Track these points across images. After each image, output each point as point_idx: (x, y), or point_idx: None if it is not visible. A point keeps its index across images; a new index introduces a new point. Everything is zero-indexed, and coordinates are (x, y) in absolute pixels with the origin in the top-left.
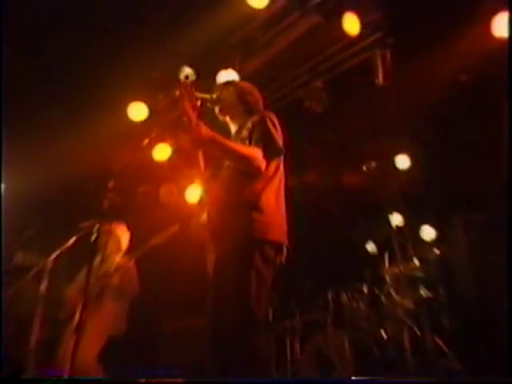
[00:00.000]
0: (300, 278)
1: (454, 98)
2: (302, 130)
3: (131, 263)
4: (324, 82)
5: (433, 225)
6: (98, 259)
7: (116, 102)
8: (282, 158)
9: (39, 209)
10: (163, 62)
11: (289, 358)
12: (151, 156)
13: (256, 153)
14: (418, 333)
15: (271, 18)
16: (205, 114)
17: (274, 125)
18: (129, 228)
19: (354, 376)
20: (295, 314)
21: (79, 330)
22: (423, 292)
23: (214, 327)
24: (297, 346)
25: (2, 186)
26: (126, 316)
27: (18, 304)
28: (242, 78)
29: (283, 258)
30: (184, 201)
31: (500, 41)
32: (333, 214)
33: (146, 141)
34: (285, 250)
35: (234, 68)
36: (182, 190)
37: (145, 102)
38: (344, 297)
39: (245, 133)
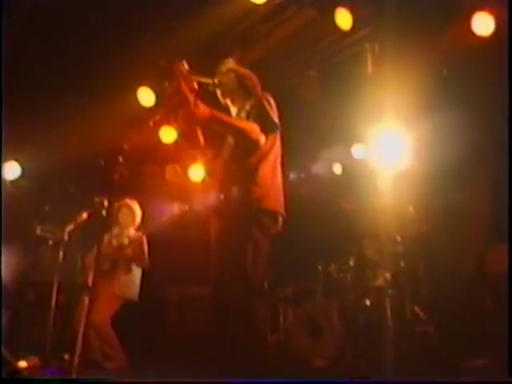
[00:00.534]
0: (292, 251)
1: (436, 90)
2: (296, 117)
3: (143, 237)
4: (318, 71)
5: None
6: (115, 230)
7: (126, 86)
8: (278, 133)
9: (55, 185)
10: (169, 51)
11: (281, 324)
12: (157, 138)
13: (254, 127)
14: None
15: (270, 12)
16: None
17: (269, 104)
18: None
19: (341, 342)
20: (287, 284)
21: (92, 293)
22: (403, 264)
23: (216, 294)
24: (289, 313)
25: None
26: (137, 284)
27: (37, 273)
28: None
29: (279, 228)
30: (188, 179)
31: (479, 38)
32: (323, 194)
33: (151, 122)
34: (280, 219)
35: (234, 58)
36: (186, 170)
37: (152, 87)
38: (332, 268)
39: (243, 114)
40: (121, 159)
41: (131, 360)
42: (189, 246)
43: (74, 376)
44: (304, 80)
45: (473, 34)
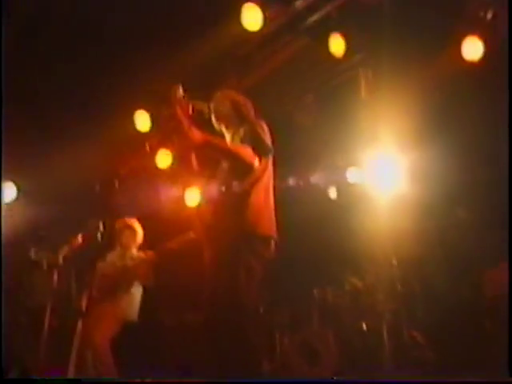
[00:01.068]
0: (287, 275)
1: (430, 114)
2: (291, 141)
3: (147, 255)
4: (313, 96)
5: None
6: (117, 251)
7: (123, 110)
8: (270, 157)
9: (51, 209)
10: (166, 77)
11: (277, 350)
12: (153, 162)
13: (247, 150)
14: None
15: (265, 40)
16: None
17: (262, 129)
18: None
19: (338, 367)
20: (283, 309)
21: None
22: (400, 288)
23: (210, 320)
24: (285, 338)
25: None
26: (137, 305)
27: (31, 297)
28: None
29: (272, 252)
30: (184, 204)
31: (469, 63)
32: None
33: (148, 147)
34: (273, 244)
35: (230, 84)
36: (181, 195)
37: (149, 112)
38: (328, 292)
39: (237, 139)
40: (116, 184)
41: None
42: (185, 272)
43: None
44: (299, 105)
45: (463, 58)
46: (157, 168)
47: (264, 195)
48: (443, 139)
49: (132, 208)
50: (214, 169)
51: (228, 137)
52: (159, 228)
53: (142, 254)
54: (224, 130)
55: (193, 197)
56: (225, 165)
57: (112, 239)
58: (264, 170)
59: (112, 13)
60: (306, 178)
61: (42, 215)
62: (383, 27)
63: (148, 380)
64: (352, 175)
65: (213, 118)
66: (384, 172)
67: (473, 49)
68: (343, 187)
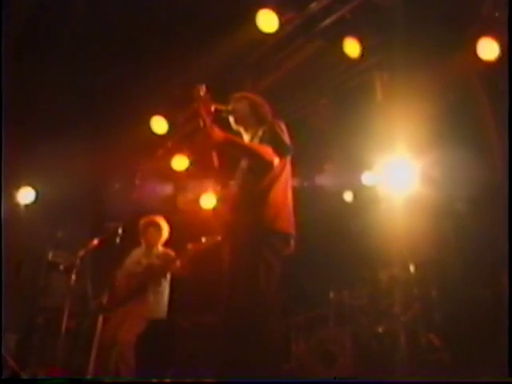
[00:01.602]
0: (304, 278)
1: (445, 116)
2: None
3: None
4: (328, 99)
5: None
6: (143, 249)
7: (140, 114)
8: (289, 158)
9: (69, 211)
10: (183, 81)
11: (294, 352)
12: (169, 165)
13: (267, 149)
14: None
15: (280, 43)
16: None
17: (281, 129)
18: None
19: (354, 370)
20: (299, 311)
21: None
22: (416, 291)
23: (228, 317)
24: (301, 341)
25: (33, 192)
26: (166, 303)
27: (48, 297)
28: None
29: (291, 249)
30: (199, 207)
31: (483, 64)
32: (333, 219)
33: (162, 150)
34: (292, 241)
35: (246, 87)
36: (197, 198)
37: (165, 116)
38: (345, 295)
39: (256, 140)
40: (137, 181)
41: None
42: (201, 275)
43: None
44: (315, 108)
45: (478, 59)
46: (173, 171)
47: (282, 194)
48: (458, 141)
49: (149, 210)
50: (234, 168)
51: (247, 138)
52: (178, 229)
53: (167, 251)
54: (243, 131)
55: (209, 200)
56: (244, 164)
57: (136, 237)
58: (283, 169)
59: (128, 15)
60: (321, 180)
61: (59, 218)
62: (397, 29)
63: (167, 380)
64: (367, 178)
65: (231, 120)
66: (399, 174)
67: (488, 49)
68: (359, 190)
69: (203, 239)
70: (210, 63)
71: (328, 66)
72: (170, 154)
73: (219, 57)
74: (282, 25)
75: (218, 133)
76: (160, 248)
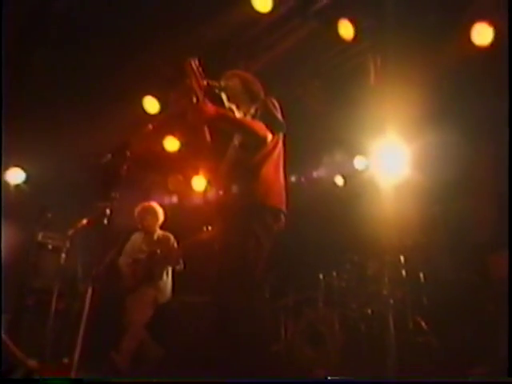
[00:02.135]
0: (293, 259)
1: (438, 100)
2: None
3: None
4: (321, 81)
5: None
6: (142, 235)
7: (131, 94)
8: (281, 134)
9: (58, 191)
10: (174, 60)
11: (282, 333)
12: (160, 146)
13: (260, 125)
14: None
15: (274, 24)
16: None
17: (274, 106)
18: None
19: (342, 352)
20: (288, 293)
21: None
22: (405, 274)
23: (217, 294)
24: (290, 322)
25: (22, 172)
26: (170, 287)
27: (39, 278)
28: None
29: (281, 225)
30: (190, 188)
31: (478, 50)
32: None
33: (151, 126)
34: (282, 217)
35: (239, 67)
36: (188, 180)
37: (156, 95)
38: (334, 277)
39: (248, 118)
40: (125, 166)
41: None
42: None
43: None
44: (308, 90)
45: (472, 44)
46: (164, 152)
47: (274, 170)
48: (450, 127)
49: (140, 193)
50: (226, 146)
51: (239, 116)
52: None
53: (166, 235)
54: (235, 108)
55: (200, 182)
56: (236, 141)
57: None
58: (275, 145)
59: None
60: (313, 163)
61: (49, 198)
62: (392, 12)
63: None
64: (359, 162)
65: (224, 97)
66: (390, 159)
67: (482, 34)
68: (350, 174)
69: (204, 228)
70: (202, 43)
71: (322, 48)
72: (162, 134)
73: (212, 36)
74: (276, 5)
75: (210, 107)
76: (159, 231)
